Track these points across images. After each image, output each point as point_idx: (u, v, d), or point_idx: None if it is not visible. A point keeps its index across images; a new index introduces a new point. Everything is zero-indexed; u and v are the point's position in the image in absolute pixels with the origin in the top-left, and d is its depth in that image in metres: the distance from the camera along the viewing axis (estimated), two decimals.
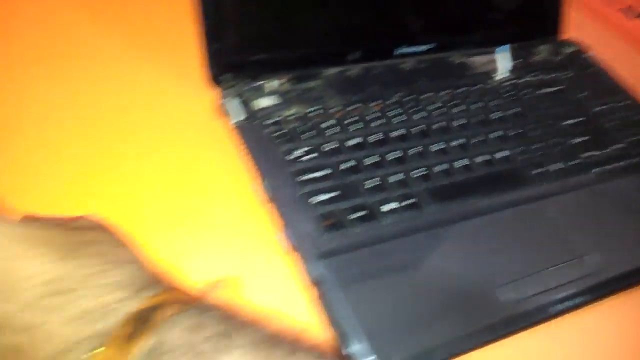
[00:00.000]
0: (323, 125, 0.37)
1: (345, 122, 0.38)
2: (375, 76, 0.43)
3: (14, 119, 0.37)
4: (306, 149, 0.35)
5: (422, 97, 0.42)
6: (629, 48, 0.58)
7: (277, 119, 0.37)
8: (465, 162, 0.37)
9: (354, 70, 0.42)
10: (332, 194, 0.33)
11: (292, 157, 0.34)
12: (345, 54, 0.42)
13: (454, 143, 0.38)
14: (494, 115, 0.41)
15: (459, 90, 0.43)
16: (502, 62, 0.47)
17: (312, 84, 0.41)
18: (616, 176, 0.39)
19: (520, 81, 0.46)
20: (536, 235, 0.34)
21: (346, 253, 0.30)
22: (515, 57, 0.47)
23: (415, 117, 0.39)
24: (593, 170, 0.39)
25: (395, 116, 0.39)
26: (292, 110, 0.38)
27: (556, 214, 0.35)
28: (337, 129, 0.37)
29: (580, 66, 0.49)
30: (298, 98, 0.39)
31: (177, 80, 0.41)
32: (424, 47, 0.45)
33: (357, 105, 0.39)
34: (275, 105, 0.38)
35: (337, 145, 0.36)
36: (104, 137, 0.36)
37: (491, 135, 0.40)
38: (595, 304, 0.32)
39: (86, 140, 0.36)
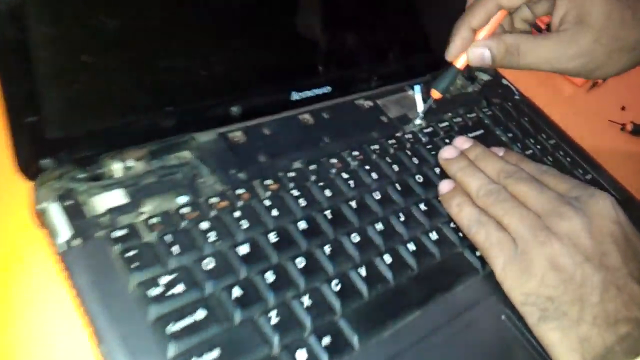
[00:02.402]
0: (198, 229, 0.26)
1: (229, 217, 0.27)
2: (267, 137, 0.32)
3: None
4: (173, 275, 0.24)
5: (327, 162, 0.32)
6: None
7: (127, 228, 0.25)
8: (389, 258, 0.28)
9: (238, 131, 0.32)
10: (217, 353, 0.22)
11: (150, 293, 0.23)
12: (225, 108, 0.32)
13: (372, 230, 0.29)
14: (416, 179, 0.33)
15: (372, 148, 0.34)
16: (416, 101, 0.39)
17: (179, 158, 0.29)
18: None
19: (440, 126, 0.38)
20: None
21: None
22: (428, 92, 0.40)
23: (321, 197, 0.30)
24: None
25: (295, 198, 0.29)
26: (150, 207, 0.27)
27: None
28: (219, 231, 0.26)
29: (500, 99, 0.43)
30: (160, 185, 0.28)
31: None
32: (325, 90, 0.36)
33: (245, 188, 0.29)
34: (123, 206, 0.26)
35: (219, 262, 0.25)
36: None
37: (414, 210, 0.31)
38: None
39: None
